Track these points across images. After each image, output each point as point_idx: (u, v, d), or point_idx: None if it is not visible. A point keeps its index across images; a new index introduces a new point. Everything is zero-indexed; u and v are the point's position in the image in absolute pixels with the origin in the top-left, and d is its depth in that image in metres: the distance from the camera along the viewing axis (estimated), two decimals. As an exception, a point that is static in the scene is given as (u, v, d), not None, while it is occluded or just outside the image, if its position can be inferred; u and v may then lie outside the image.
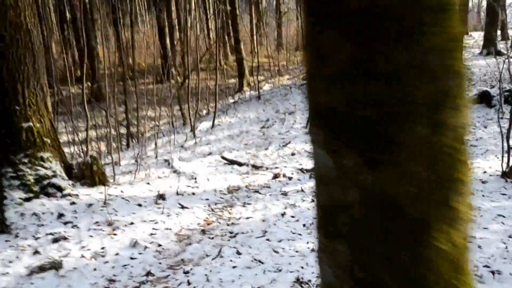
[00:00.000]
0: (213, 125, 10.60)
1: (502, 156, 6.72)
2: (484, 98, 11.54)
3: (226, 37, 30.91)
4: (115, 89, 11.30)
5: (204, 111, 14.10)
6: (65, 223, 5.07)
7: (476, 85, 14.72)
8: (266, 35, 29.64)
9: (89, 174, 6.08)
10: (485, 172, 6.98)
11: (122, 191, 6.03)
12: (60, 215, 5.19)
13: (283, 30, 35.67)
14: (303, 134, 9.14)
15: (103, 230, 4.91)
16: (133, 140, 11.56)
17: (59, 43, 22.65)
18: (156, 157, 8.40)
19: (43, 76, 6.00)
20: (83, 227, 4.98)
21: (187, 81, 12.04)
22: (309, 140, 1.25)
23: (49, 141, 5.89)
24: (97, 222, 5.07)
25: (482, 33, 26.14)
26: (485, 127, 10.00)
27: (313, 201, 5.76)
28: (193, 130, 10.08)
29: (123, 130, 11.92)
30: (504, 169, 6.70)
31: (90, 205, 5.47)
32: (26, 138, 5.64)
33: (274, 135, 9.37)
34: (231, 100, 15.89)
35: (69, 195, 5.65)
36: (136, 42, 26.82)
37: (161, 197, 5.78)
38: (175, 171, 7.04)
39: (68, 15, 24.07)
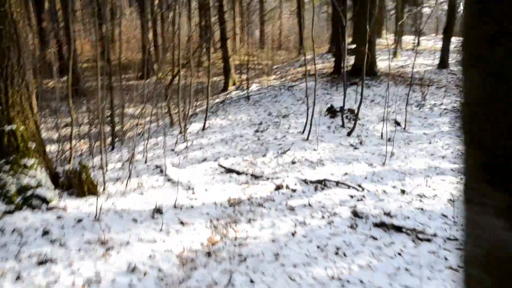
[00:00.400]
0: (204, 128, 10.06)
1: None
2: (480, 106, 11.30)
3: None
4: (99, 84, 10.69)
5: (190, 111, 13.56)
6: (52, 241, 4.49)
7: None
8: (252, 33, 29.18)
9: (77, 183, 5.50)
10: None
11: (114, 203, 5.46)
12: (46, 232, 4.61)
13: (266, 29, 35.36)
14: (301, 141, 8.67)
15: (96, 251, 4.35)
16: (117, 140, 10.98)
17: (35, 33, 21.78)
18: (145, 161, 7.83)
19: (29, 72, 5.39)
20: (73, 246, 4.41)
21: (176, 78, 11.46)
22: (464, 198, 0.91)
23: (33, 145, 5.29)
24: (88, 241, 4.50)
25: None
26: (484, 136, 9.70)
27: (330, 223, 5.33)
28: (183, 132, 9.53)
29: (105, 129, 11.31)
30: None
31: (80, 220, 4.90)
32: (8, 143, 5.03)
33: (269, 140, 8.88)
34: (217, 100, 15.39)
35: (56, 207, 5.06)
36: (117, 36, 26.06)
37: (158, 211, 5.24)
38: (169, 180, 6.49)
39: (46, 4, 23.18)
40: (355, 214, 5.35)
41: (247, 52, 16.72)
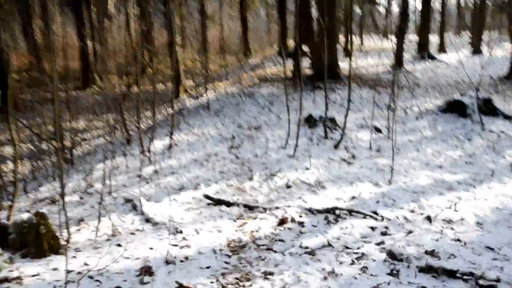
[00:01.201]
0: (170, 146, 8.74)
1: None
2: (456, 107, 10.65)
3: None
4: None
5: (142, 124, 12.17)
6: (7, 335, 3.16)
7: (430, 92, 14.02)
8: (194, 38, 28.04)
9: (33, 239, 4.12)
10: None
11: (85, 263, 4.13)
12: (-3, 321, 3.26)
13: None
14: (287, 158, 7.57)
15: None
16: (67, 161, 9.49)
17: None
18: (110, 192, 6.47)
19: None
20: None
21: (135, 87, 10.03)
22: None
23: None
24: (60, 331, 3.20)
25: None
26: (469, 139, 9.04)
27: (364, 270, 4.26)
28: (147, 151, 8.19)
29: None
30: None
31: (44, 297, 3.56)
32: None
33: (250, 158, 7.73)
34: (171, 111, 14.03)
35: (7, 280, 3.68)
36: (51, 44, 24.03)
37: (147, 271, 3.97)
38: (148, 220, 5.19)
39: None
40: (392, 255, 4.32)
41: (204, 57, 15.49)
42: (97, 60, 23.70)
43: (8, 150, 11.42)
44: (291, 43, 27.42)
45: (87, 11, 22.90)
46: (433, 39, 29.41)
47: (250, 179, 6.66)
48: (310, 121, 9.24)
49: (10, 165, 9.47)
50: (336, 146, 8.01)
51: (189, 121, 10.95)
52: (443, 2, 27.35)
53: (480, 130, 9.43)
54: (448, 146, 8.76)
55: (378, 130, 9.49)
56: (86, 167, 8.26)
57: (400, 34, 18.65)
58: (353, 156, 7.54)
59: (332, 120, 9.13)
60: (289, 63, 21.23)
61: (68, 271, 3.79)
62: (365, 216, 5.23)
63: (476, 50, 23.43)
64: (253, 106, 12.14)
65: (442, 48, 24.90)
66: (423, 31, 22.01)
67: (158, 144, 9.01)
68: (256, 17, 44.39)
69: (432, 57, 21.52)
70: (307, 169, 6.88)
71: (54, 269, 3.95)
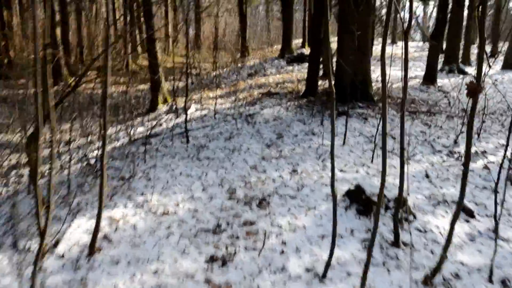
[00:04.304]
0: (92, 247, 4.27)
1: None
2: None
3: (137, 31, 24.55)
4: None
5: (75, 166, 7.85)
6: None
7: (490, 125, 9.69)
8: (187, 32, 23.48)
9: None
10: None
11: None
12: None
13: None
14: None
15: None
16: None
17: None
18: None
19: None
20: None
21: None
22: None
23: None
24: None
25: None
26: None
27: None
28: (46, 252, 3.78)
29: None
30: None
31: None
32: None
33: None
34: (140, 129, 9.60)
35: None
36: (15, 30, 19.52)
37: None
38: None
39: None
40: None
41: (193, 54, 11.11)
42: (68, 50, 19.08)
43: None
44: (295, 45, 23.02)
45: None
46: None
47: None
48: (359, 202, 4.81)
49: None
50: (428, 281, 3.64)
51: (150, 170, 6.50)
52: (476, 7, 22.90)
53: None
54: None
55: (469, 213, 5.18)
56: None
57: (436, 41, 14.25)
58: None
59: (403, 203, 4.74)
60: (295, 70, 16.87)
61: None
62: None
63: (509, 65, 19.12)
64: (254, 142, 7.74)
65: (466, 60, 20.54)
66: (453, 39, 17.55)
67: (77, 232, 4.57)
68: (255, 12, 39.97)
69: (462, 71, 17.22)
70: None
71: None
